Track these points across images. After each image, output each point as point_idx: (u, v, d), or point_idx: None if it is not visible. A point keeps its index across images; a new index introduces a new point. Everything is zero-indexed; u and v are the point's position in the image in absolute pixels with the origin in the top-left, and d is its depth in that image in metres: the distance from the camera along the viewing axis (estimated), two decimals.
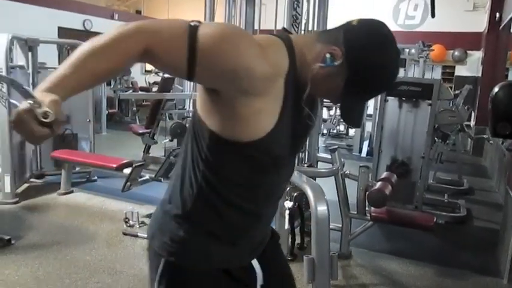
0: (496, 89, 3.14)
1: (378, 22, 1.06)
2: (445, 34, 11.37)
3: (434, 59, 11.04)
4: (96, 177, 4.94)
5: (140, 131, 5.77)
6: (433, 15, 4.05)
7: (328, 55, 1.02)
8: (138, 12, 13.12)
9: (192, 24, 0.94)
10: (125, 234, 3.53)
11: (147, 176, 4.02)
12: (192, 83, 6.55)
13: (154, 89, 10.08)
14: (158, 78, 10.59)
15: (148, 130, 5.66)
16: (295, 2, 2.88)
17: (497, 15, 7.64)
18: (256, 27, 3.34)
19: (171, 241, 1.16)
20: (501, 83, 3.21)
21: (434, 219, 3.07)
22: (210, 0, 3.18)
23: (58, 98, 0.84)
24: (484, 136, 6.14)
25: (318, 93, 1.09)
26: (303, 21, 3.12)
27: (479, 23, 10.30)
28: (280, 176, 1.19)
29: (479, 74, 9.10)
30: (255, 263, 1.25)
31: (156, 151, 5.86)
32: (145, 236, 3.43)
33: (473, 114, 8.25)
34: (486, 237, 3.90)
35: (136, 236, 3.49)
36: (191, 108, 6.30)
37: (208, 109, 1.05)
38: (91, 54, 0.89)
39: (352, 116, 1.14)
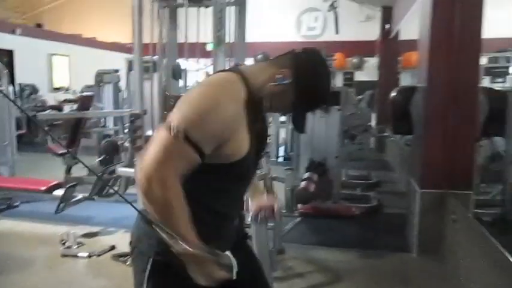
0: (394, 93, 3.70)
1: (315, 50, 1.40)
2: (344, 43, 12.39)
3: (336, 66, 12.00)
4: (19, 203, 4.75)
5: (60, 152, 5.62)
6: (337, 32, 4.60)
7: (279, 75, 1.31)
8: (39, 25, 12.44)
9: (175, 131, 1.18)
10: (64, 256, 3.51)
11: (80, 196, 4.01)
12: (113, 96, 6.56)
13: (66, 107, 9.72)
14: (69, 96, 10.23)
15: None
16: (218, 26, 3.16)
17: (387, 26, 8.63)
18: (183, 40, 3.58)
19: (158, 243, 1.33)
20: (398, 87, 3.79)
21: (353, 209, 3.53)
22: (138, 17, 3.32)
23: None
24: (385, 134, 6.93)
25: (273, 107, 1.38)
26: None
27: (372, 32, 11.44)
28: (249, 182, 1.47)
29: (376, 79, 10.10)
30: (228, 253, 1.49)
31: (77, 171, 5.73)
32: (85, 255, 3.46)
33: (373, 115, 9.17)
34: (395, 221, 4.46)
35: (77, 256, 3.50)
36: (113, 126, 6.29)
37: None
38: (170, 221, 1.21)
39: (300, 124, 1.46)
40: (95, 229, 4.07)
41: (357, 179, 6.05)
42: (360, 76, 12.80)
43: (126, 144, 3.67)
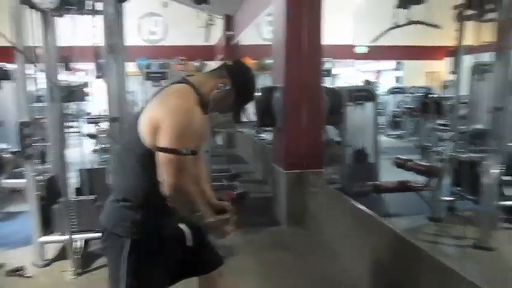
0: (259, 93, 4.40)
1: (241, 61, 1.91)
2: (185, 47, 12.95)
3: (178, 69, 12.42)
4: None
5: None
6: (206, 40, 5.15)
7: (221, 84, 1.77)
8: None
9: (175, 151, 1.58)
10: None
11: None
12: None
13: None
14: None
15: None
16: (109, 34, 3.38)
17: (231, 33, 9.52)
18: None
19: (132, 224, 1.68)
20: (260, 87, 4.49)
21: (235, 193, 4.11)
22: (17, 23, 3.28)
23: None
24: (240, 130, 7.71)
25: (217, 108, 1.84)
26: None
27: (211, 37, 12.21)
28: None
29: None
30: (182, 226, 1.88)
31: None
32: None
33: None
34: (261, 203, 5.20)
35: None
36: None
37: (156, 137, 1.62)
38: (193, 205, 1.69)
39: (238, 117, 2.00)
40: None
41: (220, 171, 6.66)
42: None
43: (6, 155, 3.54)
